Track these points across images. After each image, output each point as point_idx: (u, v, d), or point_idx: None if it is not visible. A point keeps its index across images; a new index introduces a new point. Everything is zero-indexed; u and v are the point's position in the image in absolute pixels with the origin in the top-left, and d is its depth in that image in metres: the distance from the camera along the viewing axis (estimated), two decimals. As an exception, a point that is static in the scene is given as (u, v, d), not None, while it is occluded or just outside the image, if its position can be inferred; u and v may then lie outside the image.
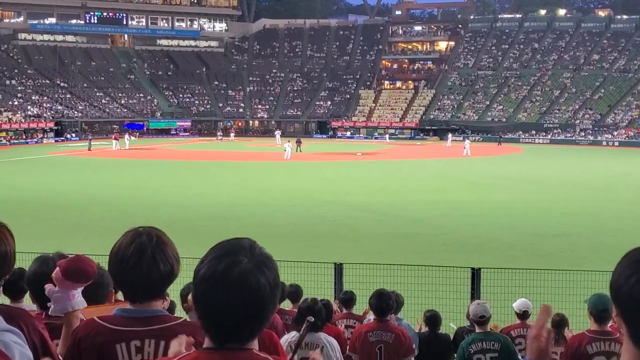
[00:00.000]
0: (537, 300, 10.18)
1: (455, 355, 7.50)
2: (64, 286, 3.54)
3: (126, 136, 72.82)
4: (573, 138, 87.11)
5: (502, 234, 24.35)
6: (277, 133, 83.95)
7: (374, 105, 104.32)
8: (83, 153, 63.50)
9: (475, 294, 11.26)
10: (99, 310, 3.69)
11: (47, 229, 24.63)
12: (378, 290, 7.24)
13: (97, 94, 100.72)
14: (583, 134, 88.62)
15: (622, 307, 2.09)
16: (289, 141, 62.37)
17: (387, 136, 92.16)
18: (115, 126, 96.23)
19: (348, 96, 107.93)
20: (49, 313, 3.68)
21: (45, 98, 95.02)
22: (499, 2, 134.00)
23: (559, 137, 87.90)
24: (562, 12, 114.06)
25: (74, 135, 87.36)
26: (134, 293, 3.10)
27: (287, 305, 9.38)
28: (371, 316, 7.58)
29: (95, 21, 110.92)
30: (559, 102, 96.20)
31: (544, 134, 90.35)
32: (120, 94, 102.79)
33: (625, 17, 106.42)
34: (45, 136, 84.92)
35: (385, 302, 6.98)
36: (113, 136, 73.46)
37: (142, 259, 3.04)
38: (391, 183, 40.84)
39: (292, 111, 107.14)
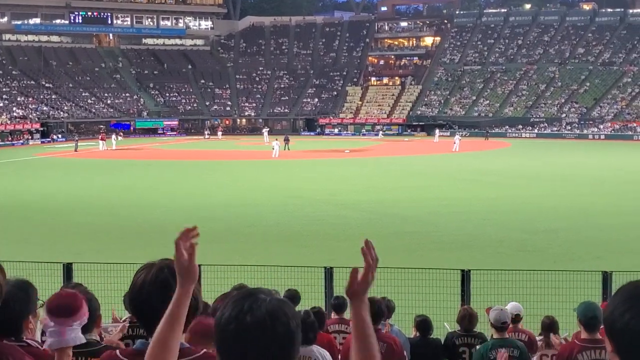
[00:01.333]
0: (528, 302, 10.23)
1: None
2: (55, 322, 3.52)
3: (113, 136, 72.55)
4: (559, 132, 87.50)
5: (491, 230, 24.43)
6: (265, 131, 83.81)
7: (360, 103, 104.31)
8: (70, 154, 63.20)
9: (465, 296, 11.29)
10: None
11: (34, 234, 24.48)
12: (369, 298, 7.24)
13: (83, 94, 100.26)
14: (569, 127, 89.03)
15: (616, 343, 2.08)
16: (276, 139, 62.31)
17: (380, 133, 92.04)
18: (101, 126, 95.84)
19: (335, 93, 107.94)
20: (44, 347, 3.68)
21: (30, 99, 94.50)
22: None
23: (545, 131, 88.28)
24: (547, 6, 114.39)
25: (60, 136, 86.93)
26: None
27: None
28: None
29: (80, 21, 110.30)
30: (545, 96, 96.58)
31: (531, 128, 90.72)
32: (106, 94, 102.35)
33: (609, 10, 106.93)
34: (32, 137, 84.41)
35: (376, 310, 6.98)
36: (99, 136, 73.19)
37: (168, 295, 3.00)
38: (380, 180, 40.88)
39: (279, 109, 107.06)
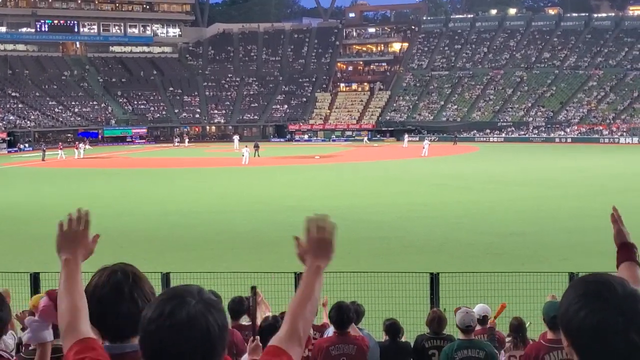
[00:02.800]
0: (497, 303, 10.31)
1: None
2: (49, 318, 3.55)
3: (80, 145, 71.79)
4: (527, 136, 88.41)
5: (460, 234, 24.59)
6: (236, 138, 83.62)
7: (329, 112, 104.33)
8: (37, 164, 62.52)
9: (434, 299, 11.36)
10: None
11: (1, 244, 24.17)
12: (337, 303, 7.27)
13: (50, 103, 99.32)
14: (536, 131, 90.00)
15: (573, 340, 2.11)
16: (246, 146, 62.21)
17: (365, 138, 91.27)
18: (69, 135, 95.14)
19: (304, 99, 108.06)
20: (24, 342, 3.69)
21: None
22: (450, 3, 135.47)
23: (513, 135, 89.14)
24: (512, 11, 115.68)
25: (27, 145, 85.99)
26: (114, 332, 3.06)
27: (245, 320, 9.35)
28: (331, 328, 7.60)
29: (46, 29, 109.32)
30: (512, 101, 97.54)
31: (498, 132, 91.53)
32: (73, 103, 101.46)
33: (574, 15, 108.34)
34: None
35: (346, 315, 7.01)
36: (58, 146, 72.64)
37: (120, 297, 3.00)
38: (350, 186, 40.96)
39: (249, 115, 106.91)
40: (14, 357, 4.10)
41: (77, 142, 75.80)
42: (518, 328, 8.29)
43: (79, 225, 3.16)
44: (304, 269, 2.89)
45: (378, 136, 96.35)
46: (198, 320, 2.23)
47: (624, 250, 3.38)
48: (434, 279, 11.61)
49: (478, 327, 8.46)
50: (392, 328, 8.17)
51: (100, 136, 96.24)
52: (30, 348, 3.93)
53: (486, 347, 7.34)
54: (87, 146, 73.57)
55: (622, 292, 2.09)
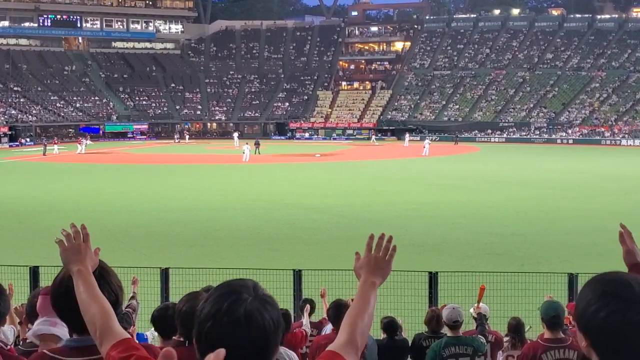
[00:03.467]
0: (495, 303, 10.32)
1: (426, 357, 7.56)
2: (46, 313, 3.63)
3: (82, 140, 71.59)
4: (528, 136, 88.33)
5: (459, 233, 24.58)
6: (235, 135, 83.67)
7: (329, 111, 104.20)
8: (38, 158, 62.55)
9: (433, 298, 11.36)
10: None
11: (1, 238, 24.20)
12: (335, 301, 7.27)
13: (52, 98, 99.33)
14: (538, 132, 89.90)
15: (593, 340, 2.11)
16: (247, 143, 62.20)
17: (373, 137, 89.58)
18: (70, 130, 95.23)
19: (306, 97, 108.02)
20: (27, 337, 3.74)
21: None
22: (453, 3, 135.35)
23: (514, 136, 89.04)
24: (515, 11, 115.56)
25: (28, 140, 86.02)
26: (80, 325, 3.07)
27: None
28: (329, 325, 7.60)
29: (49, 24, 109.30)
30: (514, 101, 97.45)
31: (500, 132, 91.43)
32: (75, 98, 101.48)
33: (578, 16, 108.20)
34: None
35: (344, 313, 6.99)
36: (53, 140, 72.71)
37: None
38: (350, 184, 40.95)
39: (250, 113, 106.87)
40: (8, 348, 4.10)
41: (79, 138, 75.73)
42: (516, 328, 8.29)
43: (79, 238, 3.21)
44: (359, 283, 3.05)
45: (379, 135, 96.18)
46: (255, 317, 2.25)
47: (635, 272, 3.28)
48: (433, 278, 11.62)
49: (474, 327, 8.46)
50: (390, 326, 8.18)
51: (101, 131, 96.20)
52: (28, 341, 3.94)
53: (474, 343, 7.35)
54: (89, 141, 73.43)
55: (639, 289, 2.10)
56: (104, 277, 3.13)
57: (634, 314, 2.05)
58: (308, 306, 8.71)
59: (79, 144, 69.57)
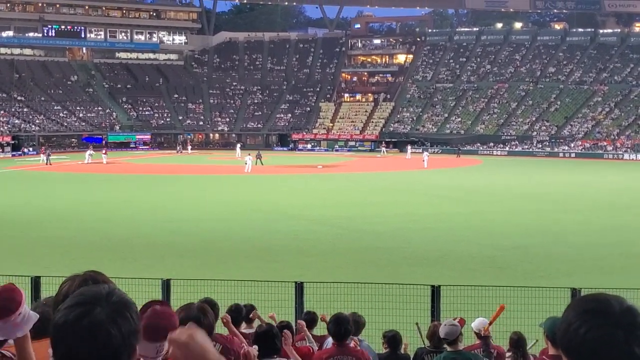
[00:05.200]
0: (498, 318, 10.25)
1: None
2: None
3: (88, 151, 70.92)
4: (530, 150, 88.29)
5: (461, 246, 24.53)
6: (238, 146, 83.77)
7: (331, 124, 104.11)
8: (41, 167, 62.62)
9: (435, 311, 11.33)
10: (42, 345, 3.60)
11: (2, 247, 24.19)
12: (336, 315, 7.23)
13: (55, 108, 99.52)
14: (540, 145, 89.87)
15: (574, 357, 2.14)
16: (249, 154, 62.21)
17: (383, 149, 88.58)
18: (73, 140, 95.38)
19: (308, 109, 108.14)
20: None
21: (1, 112, 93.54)
22: (456, 16, 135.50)
23: (516, 149, 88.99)
24: (518, 25, 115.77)
25: (31, 149, 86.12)
26: None
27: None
28: (330, 339, 7.57)
29: (53, 34, 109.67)
30: (516, 114, 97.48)
31: (502, 145, 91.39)
32: (78, 108, 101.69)
33: (580, 30, 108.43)
34: (2, 150, 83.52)
35: (344, 327, 6.96)
36: (41, 150, 72.91)
37: None
38: (352, 196, 40.94)
39: (252, 124, 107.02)
40: None
41: (104, 149, 75.79)
42: (518, 343, 8.24)
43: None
44: None
45: (382, 148, 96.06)
46: (100, 329, 2.22)
47: None
48: (435, 292, 11.58)
49: (476, 342, 8.43)
50: (393, 340, 8.15)
51: (104, 142, 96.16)
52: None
53: (474, 358, 7.30)
54: (91, 151, 73.24)
55: (620, 307, 2.14)
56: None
57: (613, 328, 2.08)
58: (303, 322, 8.64)
59: (104, 154, 69.47)
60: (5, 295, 3.34)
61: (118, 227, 28.81)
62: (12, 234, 27.08)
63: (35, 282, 12.30)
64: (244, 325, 8.33)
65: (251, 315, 8.57)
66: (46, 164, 64.21)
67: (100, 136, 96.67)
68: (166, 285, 12.26)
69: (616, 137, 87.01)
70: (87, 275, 3.18)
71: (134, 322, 2.31)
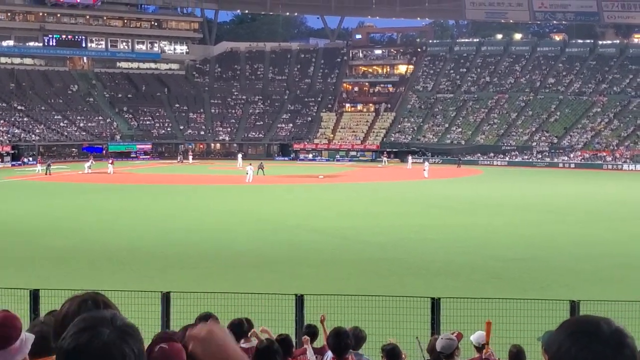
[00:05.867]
0: (496, 330, 10.27)
1: None
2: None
3: (87, 163, 70.88)
4: (530, 160, 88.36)
5: (462, 257, 24.52)
6: (240, 156, 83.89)
7: (332, 135, 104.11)
8: (41, 177, 62.65)
9: (435, 324, 11.34)
10: None
11: (2, 258, 24.18)
12: (335, 329, 7.24)
13: (55, 117, 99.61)
14: (540, 156, 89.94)
15: None
16: (250, 164, 62.25)
17: (385, 159, 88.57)
18: (73, 149, 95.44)
19: (310, 118, 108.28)
20: None
21: (1, 121, 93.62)
22: (456, 27, 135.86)
23: (516, 159, 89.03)
24: (518, 36, 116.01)
25: (31, 159, 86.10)
26: None
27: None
28: (330, 352, 7.58)
29: (54, 44, 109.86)
30: (516, 125, 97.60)
31: (502, 156, 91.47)
32: (79, 117, 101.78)
33: (579, 41, 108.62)
34: (2, 160, 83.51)
35: (344, 342, 6.98)
36: (37, 159, 73.16)
37: None
38: (353, 206, 40.95)
39: (253, 133, 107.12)
40: None
41: (111, 159, 76.03)
42: (517, 356, 8.26)
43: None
44: None
45: (383, 157, 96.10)
46: (113, 350, 2.24)
47: None
48: (435, 305, 11.59)
49: (476, 355, 8.44)
50: (392, 353, 8.15)
51: (104, 151, 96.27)
52: None
53: None
54: (92, 162, 73.21)
55: (608, 328, 2.22)
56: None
57: (602, 348, 2.15)
58: (308, 338, 8.66)
59: (111, 163, 69.66)
60: (6, 325, 3.33)
61: (118, 237, 28.81)
62: (11, 245, 27.06)
63: (34, 296, 12.29)
64: (242, 340, 8.34)
65: (250, 334, 8.59)
66: (46, 174, 64.24)
67: (101, 146, 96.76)
68: (166, 299, 12.26)
69: (615, 148, 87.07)
70: (87, 295, 3.19)
71: (142, 343, 2.34)
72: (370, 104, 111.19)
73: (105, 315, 2.35)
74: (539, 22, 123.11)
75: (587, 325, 2.24)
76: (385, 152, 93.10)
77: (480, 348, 8.39)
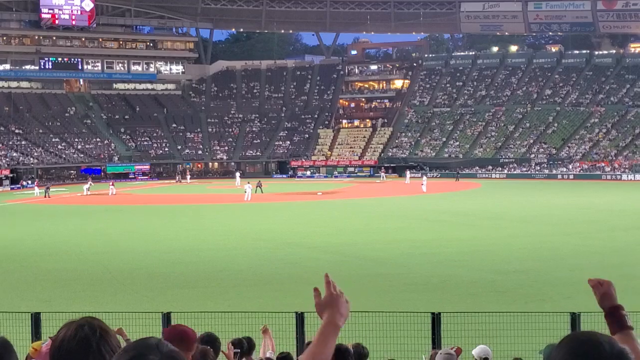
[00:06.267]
0: (498, 344, 10.27)
1: None
2: None
3: (86, 185, 70.79)
4: (529, 172, 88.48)
5: (462, 271, 24.50)
6: (237, 174, 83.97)
7: (329, 152, 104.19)
8: (40, 200, 62.62)
9: (436, 339, 11.31)
10: None
11: (1, 281, 24.13)
12: (337, 346, 7.23)
13: (53, 140, 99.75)
14: (538, 167, 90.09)
15: None
16: (248, 182, 62.27)
17: (383, 175, 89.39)
18: (72, 172, 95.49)
19: (307, 135, 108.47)
20: None
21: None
22: (452, 41, 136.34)
23: (515, 172, 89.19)
24: (514, 48, 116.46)
25: (30, 182, 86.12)
26: None
27: None
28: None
29: (50, 67, 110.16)
30: (514, 137, 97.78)
31: (500, 168, 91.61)
32: (76, 139, 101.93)
33: (575, 52, 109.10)
34: (1, 184, 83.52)
35: (345, 359, 6.96)
36: (35, 183, 73.39)
37: (88, 352, 2.99)
38: (352, 222, 40.93)
39: (251, 152, 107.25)
40: None
41: (112, 181, 76.13)
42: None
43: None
44: (321, 323, 3.00)
45: (381, 173, 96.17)
46: None
47: (614, 316, 3.15)
48: (436, 319, 11.57)
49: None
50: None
51: (102, 173, 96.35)
52: None
53: None
54: (91, 183, 73.10)
55: (610, 350, 2.13)
56: (104, 337, 3.09)
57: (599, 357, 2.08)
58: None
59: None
60: None
61: (118, 258, 28.77)
62: (12, 269, 27.00)
63: (36, 319, 12.28)
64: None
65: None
66: (45, 197, 64.22)
67: (99, 167, 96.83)
68: (166, 319, 12.23)
69: (614, 158, 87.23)
70: (83, 320, 3.18)
71: None
72: (367, 120, 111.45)
73: (151, 342, 2.41)
74: (534, 34, 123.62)
75: (587, 345, 2.16)
76: (383, 168, 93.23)
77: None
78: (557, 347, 2.23)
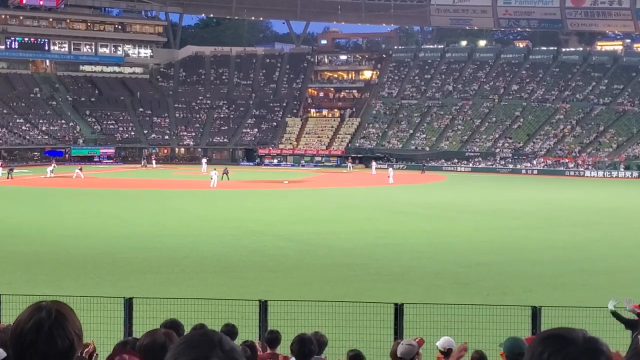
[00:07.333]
0: (460, 336, 10.35)
1: None
2: None
3: (50, 167, 69.97)
4: (494, 166, 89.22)
5: (426, 262, 24.69)
6: (204, 160, 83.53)
7: (296, 142, 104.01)
8: (3, 181, 61.73)
9: (398, 330, 11.38)
10: None
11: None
12: (299, 336, 7.25)
13: (17, 121, 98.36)
14: (503, 162, 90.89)
15: None
16: (215, 169, 61.99)
17: (350, 165, 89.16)
18: (35, 153, 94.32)
19: (275, 124, 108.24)
20: None
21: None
22: (421, 33, 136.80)
23: (480, 166, 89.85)
24: (482, 43, 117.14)
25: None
26: None
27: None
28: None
29: (16, 46, 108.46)
30: (480, 131, 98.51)
31: (466, 162, 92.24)
32: (41, 121, 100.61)
33: (543, 48, 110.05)
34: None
35: (308, 348, 6.99)
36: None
37: (39, 335, 2.94)
38: (318, 212, 41.01)
39: (218, 138, 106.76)
40: None
41: (80, 165, 74.77)
42: (480, 362, 8.31)
43: None
44: None
45: (347, 163, 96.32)
46: None
47: None
48: (399, 310, 11.64)
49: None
50: (356, 359, 8.17)
51: (66, 155, 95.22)
52: None
53: None
54: (55, 165, 72.18)
55: (583, 336, 2.17)
56: (59, 322, 3.05)
57: (576, 351, 2.11)
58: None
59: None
60: None
61: (81, 242, 28.50)
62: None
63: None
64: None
65: None
66: (7, 178, 63.37)
67: (63, 149, 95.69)
68: (129, 304, 12.15)
69: (577, 155, 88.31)
70: (44, 304, 3.12)
71: None
72: (336, 110, 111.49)
73: (214, 338, 2.26)
74: (503, 29, 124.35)
75: (561, 330, 2.20)
76: (350, 158, 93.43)
77: (446, 353, 8.44)
78: (532, 342, 2.25)
